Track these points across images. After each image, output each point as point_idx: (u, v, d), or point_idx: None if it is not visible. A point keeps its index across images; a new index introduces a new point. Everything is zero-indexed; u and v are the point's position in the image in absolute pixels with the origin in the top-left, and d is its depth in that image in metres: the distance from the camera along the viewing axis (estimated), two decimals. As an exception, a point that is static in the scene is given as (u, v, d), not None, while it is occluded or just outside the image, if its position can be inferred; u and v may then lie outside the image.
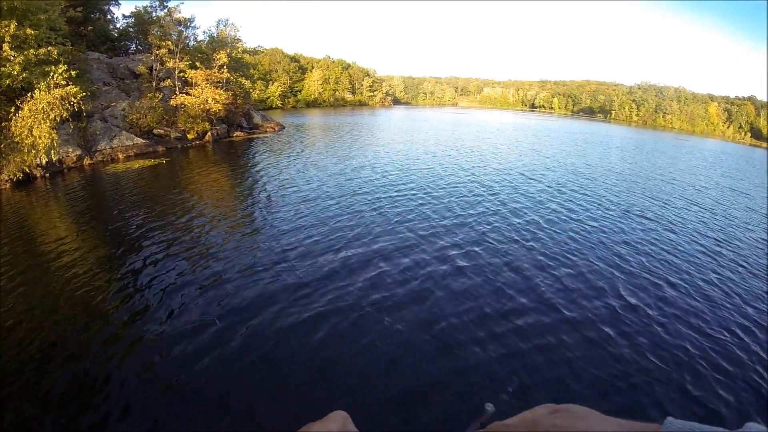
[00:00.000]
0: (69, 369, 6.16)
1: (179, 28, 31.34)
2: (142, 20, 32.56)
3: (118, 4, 35.96)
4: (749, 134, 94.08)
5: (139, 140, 24.74)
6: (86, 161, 20.99)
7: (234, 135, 33.53)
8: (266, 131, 37.24)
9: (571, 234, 12.93)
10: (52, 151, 16.77)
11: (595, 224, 14.16)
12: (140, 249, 10.47)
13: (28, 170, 16.77)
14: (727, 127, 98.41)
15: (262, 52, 59.02)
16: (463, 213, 14.24)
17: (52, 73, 16.47)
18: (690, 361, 6.98)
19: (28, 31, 16.48)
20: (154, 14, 31.91)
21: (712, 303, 9.18)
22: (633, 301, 8.87)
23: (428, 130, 46.08)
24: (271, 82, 75.79)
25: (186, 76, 30.73)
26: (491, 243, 11.63)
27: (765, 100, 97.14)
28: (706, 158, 42.99)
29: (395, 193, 16.37)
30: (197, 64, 31.32)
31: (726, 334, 7.97)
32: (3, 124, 16.03)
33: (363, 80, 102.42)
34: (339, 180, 18.49)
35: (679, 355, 7.12)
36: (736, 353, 7.36)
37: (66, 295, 8.24)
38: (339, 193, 16.12)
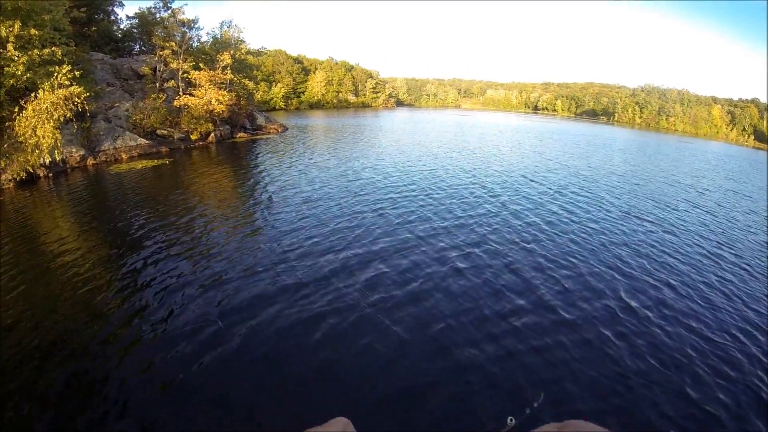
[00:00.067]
0: (68, 368, 6.19)
1: (183, 29, 31.47)
2: (146, 21, 32.69)
3: (122, 5, 36.20)
4: (752, 137, 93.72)
5: (143, 141, 24.84)
6: (89, 161, 21.09)
7: (237, 136, 33.64)
8: (269, 132, 37.32)
9: (572, 236, 12.90)
10: (56, 151, 16.89)
11: (596, 226, 14.14)
12: (142, 249, 10.50)
13: (31, 170, 16.87)
14: (731, 130, 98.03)
15: (266, 53, 59.06)
16: (464, 215, 14.24)
17: (56, 74, 16.58)
18: (690, 365, 6.95)
19: (32, 31, 16.59)
20: (158, 15, 32.02)
21: (713, 306, 9.15)
22: (633, 303, 8.85)
23: (431, 132, 46.10)
24: (274, 83, 76.02)
25: (189, 77, 30.87)
26: (491, 245, 11.63)
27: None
28: (709, 161, 42.85)
29: (396, 195, 16.39)
30: (201, 65, 31.46)
31: (727, 337, 7.94)
32: (7, 123, 16.14)
33: (366, 82, 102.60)
34: (341, 181, 18.52)
35: (679, 358, 7.10)
36: (736, 357, 7.32)
37: (67, 294, 8.28)
38: (341, 195, 16.14)
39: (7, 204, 14.33)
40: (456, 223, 13.35)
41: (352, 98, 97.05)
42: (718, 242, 13.94)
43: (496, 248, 11.40)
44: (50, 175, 18.15)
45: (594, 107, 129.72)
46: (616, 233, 13.65)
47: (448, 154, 29.19)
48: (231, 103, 31.67)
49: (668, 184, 24.69)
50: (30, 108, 16.02)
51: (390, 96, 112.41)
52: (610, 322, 8.04)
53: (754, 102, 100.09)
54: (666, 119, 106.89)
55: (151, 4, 32.29)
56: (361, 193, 16.57)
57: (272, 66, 78.97)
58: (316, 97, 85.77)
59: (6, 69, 15.97)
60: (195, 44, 33.13)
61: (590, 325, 7.84)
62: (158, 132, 27.06)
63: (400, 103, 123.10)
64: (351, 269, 9.58)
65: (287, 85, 79.37)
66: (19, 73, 16.08)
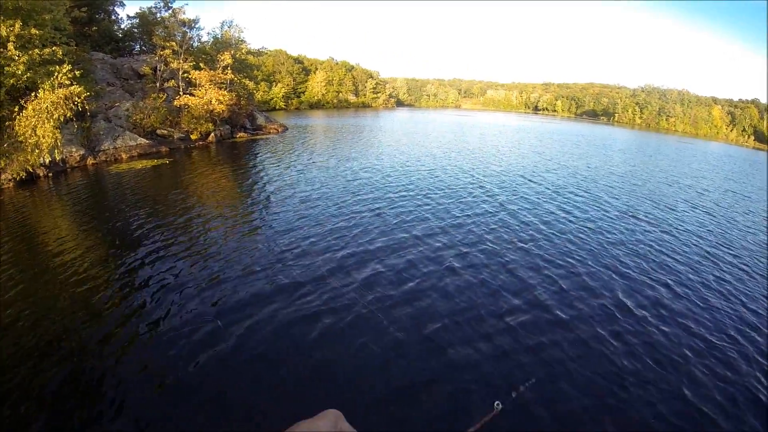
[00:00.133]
0: (66, 366, 6.21)
1: (183, 29, 31.52)
2: (146, 21, 32.74)
3: (123, 5, 36.22)
4: (752, 137, 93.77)
5: (143, 140, 24.87)
6: (89, 161, 21.12)
7: (237, 136, 33.66)
8: (269, 132, 37.35)
9: (570, 236, 12.92)
10: (56, 151, 16.91)
11: (594, 226, 14.15)
12: (141, 248, 10.53)
13: (31, 169, 16.89)
14: (731, 131, 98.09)
15: (266, 53, 59.12)
16: (462, 215, 14.26)
17: (56, 73, 16.58)
18: (687, 365, 6.95)
19: (33, 30, 16.60)
20: (158, 15, 32.08)
21: (711, 307, 9.15)
22: (630, 303, 8.85)
23: (431, 132, 46.13)
24: (274, 83, 76.13)
25: (190, 76, 30.90)
26: (489, 245, 11.64)
27: None
28: (709, 161, 42.86)
29: (395, 195, 16.41)
30: (201, 65, 31.48)
31: (724, 338, 7.93)
32: (7, 123, 16.16)
33: (366, 82, 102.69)
34: (340, 181, 18.55)
35: (676, 358, 7.10)
36: (734, 358, 7.32)
37: (65, 293, 8.30)
38: (339, 195, 16.17)
39: (7, 203, 14.36)
40: (454, 223, 13.37)
41: (352, 98, 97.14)
42: (717, 243, 13.95)
43: (494, 248, 11.42)
44: (50, 174, 18.18)
45: (594, 108, 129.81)
46: (614, 233, 13.66)
47: (448, 154, 29.21)
48: (231, 103, 31.70)
49: (667, 184, 24.71)
50: (30, 107, 16.04)
51: (390, 96, 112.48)
52: (606, 322, 8.06)
53: (754, 102, 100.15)
54: (666, 120, 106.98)
55: (151, 3, 32.40)
56: (360, 193, 16.60)
57: (272, 66, 79.09)
58: (316, 97, 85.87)
59: (6, 68, 15.99)
60: (195, 44, 33.17)
61: (587, 325, 7.85)
62: (158, 132, 27.09)
63: (400, 104, 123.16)
64: (348, 269, 9.60)
65: (287, 85, 79.49)
66: (20, 72, 16.10)
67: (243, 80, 34.82)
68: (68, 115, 16.83)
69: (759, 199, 23.57)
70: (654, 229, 14.66)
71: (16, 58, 16.05)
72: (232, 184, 18.74)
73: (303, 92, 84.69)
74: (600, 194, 19.49)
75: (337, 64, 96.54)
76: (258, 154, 26.68)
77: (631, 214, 16.37)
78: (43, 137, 16.03)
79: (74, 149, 20.51)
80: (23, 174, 16.47)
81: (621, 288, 9.58)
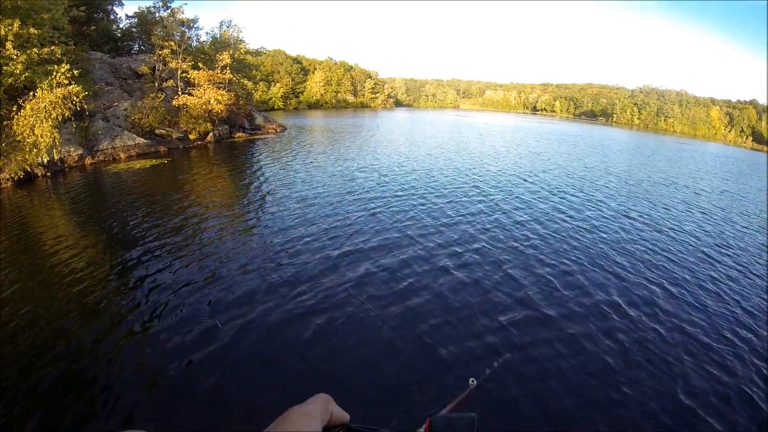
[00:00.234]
0: (62, 365, 6.22)
1: (182, 29, 31.50)
2: (145, 20, 32.69)
3: (122, 5, 36.26)
4: (751, 138, 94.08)
5: (141, 140, 24.84)
6: (88, 161, 21.09)
7: (236, 136, 33.66)
8: (268, 132, 37.35)
9: (566, 237, 12.94)
10: (54, 150, 16.87)
11: (590, 227, 14.19)
12: (138, 248, 10.53)
13: (29, 169, 16.87)
14: (729, 131, 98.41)
15: (265, 53, 59.17)
16: (458, 215, 14.28)
17: (54, 73, 16.57)
18: (684, 370, 6.92)
19: (32, 30, 16.58)
20: (157, 15, 32.04)
21: (709, 310, 9.12)
22: (626, 307, 8.86)
23: (429, 132, 46.18)
24: (273, 83, 76.12)
25: (189, 76, 30.88)
26: (484, 245, 11.67)
27: (766, 104, 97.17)
28: (707, 162, 42.99)
29: (391, 195, 16.43)
30: (200, 64, 31.48)
31: (720, 339, 7.93)
32: (5, 122, 16.13)
33: (365, 82, 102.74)
34: (337, 181, 18.57)
35: (673, 363, 7.08)
36: (729, 359, 7.32)
37: (62, 292, 8.31)
38: (338, 195, 16.18)
39: (5, 203, 14.34)
40: (449, 223, 13.40)
41: (350, 98, 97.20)
42: (715, 244, 13.98)
43: (489, 248, 11.44)
44: (48, 174, 18.15)
45: (592, 108, 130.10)
46: (610, 234, 13.70)
47: (445, 154, 29.25)
48: (230, 102, 31.68)
49: (666, 185, 24.77)
50: (28, 107, 16.01)
51: (389, 96, 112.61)
52: (601, 323, 8.08)
53: (753, 103, 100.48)
54: (664, 120, 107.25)
55: (150, 3, 32.28)
56: (356, 193, 16.62)
57: (271, 66, 79.03)
58: (314, 97, 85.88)
59: (5, 68, 15.96)
60: (194, 44, 33.17)
61: (581, 326, 7.87)
62: (157, 131, 27.05)
63: (398, 104, 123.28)
64: (343, 268, 9.62)
65: (286, 85, 79.46)
66: (18, 72, 16.07)
67: (242, 80, 34.79)
68: (66, 114, 16.80)
69: (758, 201, 23.64)
70: (652, 230, 14.70)
71: (15, 57, 16.03)
72: (229, 184, 18.74)
73: (301, 92, 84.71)
74: (598, 195, 19.54)
75: (335, 64, 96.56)
76: (256, 154, 26.67)
77: (628, 215, 16.42)
78: (42, 137, 16.01)
79: (72, 149, 20.48)
80: (21, 173, 16.44)
81: (617, 288, 9.61)
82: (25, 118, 15.90)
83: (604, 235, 13.45)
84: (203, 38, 34.43)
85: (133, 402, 5.56)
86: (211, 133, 30.33)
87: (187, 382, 5.90)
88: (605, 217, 15.62)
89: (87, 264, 9.56)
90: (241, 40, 34.43)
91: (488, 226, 13.43)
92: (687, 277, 10.81)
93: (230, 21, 34.13)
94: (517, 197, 17.65)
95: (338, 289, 8.65)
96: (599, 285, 9.70)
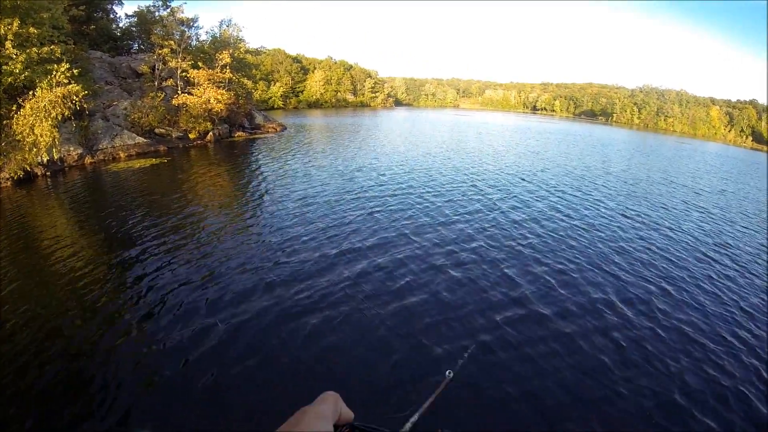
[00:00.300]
0: (60, 363, 6.25)
1: (182, 28, 31.48)
2: (144, 20, 32.68)
3: (121, 4, 36.29)
4: (750, 138, 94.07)
5: (141, 139, 24.84)
6: (87, 160, 21.10)
7: (236, 135, 33.66)
8: (268, 132, 37.36)
9: (564, 237, 12.95)
10: (54, 150, 16.88)
11: (589, 227, 14.20)
12: (137, 247, 10.56)
13: (29, 168, 16.89)
14: (729, 131, 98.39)
15: (265, 52, 59.17)
16: (456, 215, 14.29)
17: (54, 72, 16.57)
18: (680, 369, 6.92)
19: (31, 29, 16.58)
20: (157, 14, 32.03)
21: (707, 310, 9.12)
22: (623, 306, 8.88)
23: (428, 132, 46.17)
24: (273, 82, 76.10)
25: (188, 75, 30.89)
26: (482, 244, 11.69)
27: (766, 104, 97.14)
28: (707, 162, 42.98)
29: (390, 195, 16.45)
30: (200, 64, 31.48)
31: (720, 342, 7.89)
32: (5, 122, 16.13)
33: (365, 81, 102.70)
34: (337, 180, 18.58)
35: (670, 362, 7.08)
36: (729, 362, 7.29)
37: (60, 291, 8.35)
38: (336, 194, 16.20)
39: (5, 202, 14.35)
40: (447, 222, 13.42)
41: (350, 98, 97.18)
42: (714, 244, 13.97)
43: (486, 248, 11.46)
44: (48, 173, 18.16)
45: (592, 107, 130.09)
46: (608, 234, 13.71)
47: (444, 154, 29.26)
48: (230, 102, 31.69)
49: (665, 185, 24.77)
50: (28, 106, 16.02)
51: (388, 96, 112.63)
52: (598, 322, 8.10)
53: (752, 103, 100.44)
54: (664, 120, 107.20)
55: (150, 2, 32.26)
56: (356, 192, 16.66)
57: (271, 65, 79.00)
58: (314, 97, 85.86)
59: (4, 67, 15.96)
60: (194, 43, 33.15)
61: (577, 326, 7.89)
62: (156, 131, 27.05)
63: (398, 103, 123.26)
64: (342, 268, 9.65)
65: (286, 84, 79.45)
66: (17, 71, 16.08)
67: (241, 79, 34.79)
68: (66, 113, 16.80)
69: (758, 200, 23.64)
70: (651, 230, 14.71)
71: (14, 56, 16.04)
72: (229, 183, 18.76)
73: (301, 91, 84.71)
74: (597, 195, 19.55)
75: (335, 63, 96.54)
76: (256, 153, 26.69)
77: (628, 215, 16.42)
78: (41, 136, 16.01)
79: (72, 148, 20.49)
80: (21, 173, 16.45)
81: (613, 287, 9.64)
82: (25, 118, 15.90)
83: (602, 235, 13.46)
84: (203, 37, 34.47)
85: (130, 401, 5.59)
86: (210, 133, 30.33)
87: (184, 381, 5.93)
88: (603, 217, 15.64)
89: (86, 263, 9.58)
90: (240, 40, 34.42)
91: (485, 225, 13.45)
92: (685, 276, 10.82)
93: (230, 20, 34.20)
94: (515, 197, 17.66)
95: (335, 288, 8.68)
96: (596, 284, 9.71)
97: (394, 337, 7.13)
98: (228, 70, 31.71)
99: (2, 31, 15.80)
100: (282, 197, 15.56)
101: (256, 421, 5.26)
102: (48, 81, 16.44)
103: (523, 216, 14.73)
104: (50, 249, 10.30)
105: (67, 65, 17.11)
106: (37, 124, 15.94)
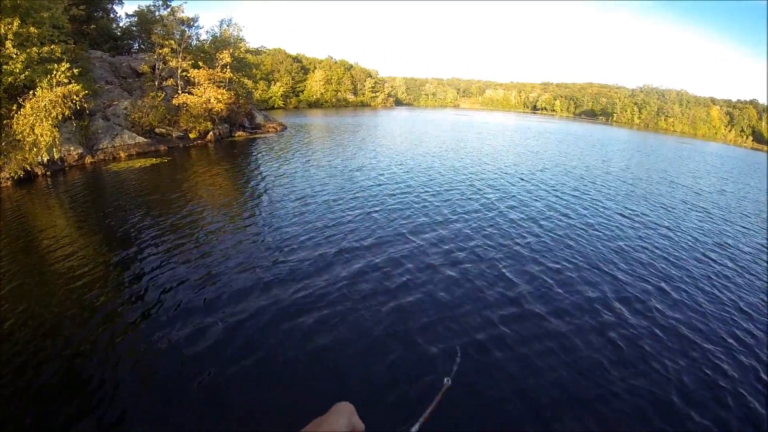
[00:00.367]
0: (57, 363, 6.27)
1: (182, 28, 31.52)
2: (145, 19, 32.69)
3: (122, 3, 36.31)
4: (751, 138, 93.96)
5: (141, 139, 24.86)
6: (88, 160, 21.12)
7: (236, 135, 33.68)
8: (268, 131, 37.37)
9: (564, 237, 12.96)
10: (54, 150, 16.89)
11: (589, 228, 14.20)
12: (136, 246, 10.59)
13: (29, 168, 16.91)
14: (729, 131, 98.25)
15: (265, 52, 59.19)
16: (454, 215, 14.31)
17: (54, 71, 16.60)
18: (677, 369, 6.92)
19: (31, 29, 16.60)
20: (157, 13, 32.06)
21: (705, 310, 9.12)
22: (620, 305, 8.88)
23: (428, 131, 46.13)
24: (273, 82, 76.07)
25: (189, 75, 30.90)
26: (481, 244, 11.71)
27: (766, 104, 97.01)
28: (707, 161, 42.93)
29: (389, 195, 16.48)
30: (200, 63, 31.50)
31: (718, 343, 7.89)
32: (5, 121, 16.15)
33: (365, 81, 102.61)
34: (337, 180, 18.60)
35: (667, 362, 7.08)
36: (727, 362, 7.30)
37: (60, 290, 8.37)
38: (335, 194, 16.23)
39: (5, 202, 14.37)
40: (445, 222, 13.44)
41: (350, 97, 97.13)
42: (714, 245, 13.96)
43: (483, 247, 11.48)
44: (48, 173, 18.18)
45: (593, 107, 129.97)
46: (607, 234, 13.71)
47: (443, 153, 29.27)
48: (230, 101, 31.70)
49: (665, 185, 24.75)
50: (28, 106, 16.03)
51: (389, 95, 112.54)
52: (595, 322, 8.11)
53: (753, 103, 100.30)
54: (665, 120, 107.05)
55: (150, 2, 32.28)
56: (354, 192, 16.68)
57: (271, 65, 78.99)
58: (314, 96, 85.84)
59: (4, 67, 15.98)
60: (194, 42, 33.19)
61: (574, 325, 7.91)
62: (157, 130, 27.07)
63: (399, 103, 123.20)
64: (340, 267, 9.68)
65: (286, 83, 79.44)
66: (18, 70, 16.11)
67: (242, 79, 34.79)
68: (66, 113, 16.81)
69: (758, 200, 23.61)
70: (651, 231, 14.70)
71: (14, 56, 16.06)
72: (229, 183, 18.77)
73: (302, 91, 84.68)
74: (596, 195, 19.55)
75: (335, 63, 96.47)
76: (256, 153, 26.71)
77: (628, 215, 16.42)
78: (41, 136, 16.03)
79: (72, 148, 20.51)
80: (21, 172, 16.47)
81: (611, 287, 9.65)
82: (25, 117, 15.92)
83: (601, 234, 13.47)
84: (203, 37, 34.54)
85: (128, 400, 5.61)
86: (211, 132, 30.34)
87: (182, 380, 5.95)
88: (602, 216, 15.64)
89: (85, 262, 9.61)
90: (241, 39, 34.45)
91: (484, 225, 13.47)
92: (683, 276, 10.82)
93: (230, 20, 34.26)
94: (514, 196, 17.67)
95: (333, 287, 8.71)
96: (594, 284, 9.72)
97: (391, 337, 7.16)
98: (228, 70, 31.73)
99: (2, 31, 15.82)
100: (281, 197, 15.58)
101: (254, 420, 5.28)
102: (48, 80, 16.47)
103: (522, 216, 14.74)
104: (50, 248, 10.32)
105: (68, 65, 17.14)
106: (37, 124, 15.96)
